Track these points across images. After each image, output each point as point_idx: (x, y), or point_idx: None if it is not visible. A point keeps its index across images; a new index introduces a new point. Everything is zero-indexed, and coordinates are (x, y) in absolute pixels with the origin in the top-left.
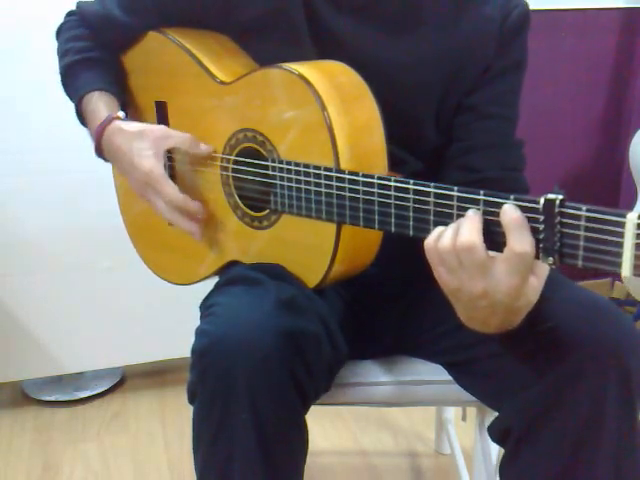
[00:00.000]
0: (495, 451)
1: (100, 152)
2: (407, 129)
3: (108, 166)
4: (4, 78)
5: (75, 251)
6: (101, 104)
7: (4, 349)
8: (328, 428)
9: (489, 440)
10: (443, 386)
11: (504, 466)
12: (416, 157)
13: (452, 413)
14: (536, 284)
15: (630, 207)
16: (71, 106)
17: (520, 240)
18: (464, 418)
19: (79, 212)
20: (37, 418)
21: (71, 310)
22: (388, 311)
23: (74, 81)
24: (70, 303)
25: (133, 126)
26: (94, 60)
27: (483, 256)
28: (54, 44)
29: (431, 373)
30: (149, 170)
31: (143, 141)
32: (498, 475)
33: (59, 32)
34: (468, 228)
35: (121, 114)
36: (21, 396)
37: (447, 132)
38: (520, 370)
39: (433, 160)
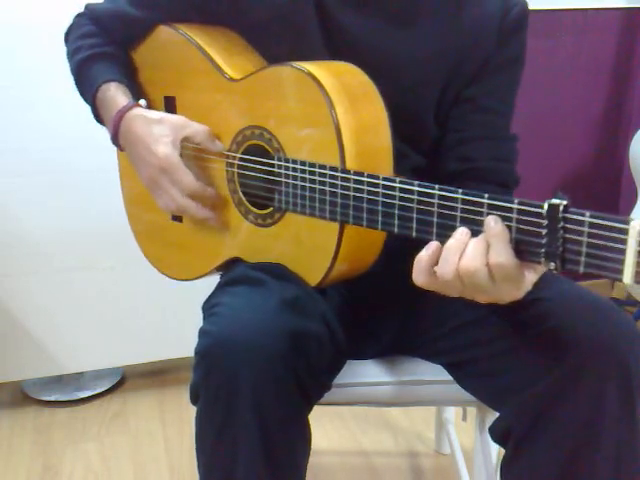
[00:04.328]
0: (495, 451)
1: (116, 138)
2: (409, 123)
3: (109, 166)
4: (4, 78)
5: (75, 251)
6: (120, 93)
7: (4, 349)
8: (328, 428)
9: (489, 440)
10: (443, 386)
11: (505, 467)
12: (418, 151)
13: (452, 413)
14: (532, 277)
15: (630, 207)
16: (71, 106)
17: (498, 253)
18: (464, 418)
19: (79, 212)
20: (37, 418)
21: (71, 310)
22: (390, 311)
23: (90, 73)
24: (70, 303)
25: (153, 113)
26: (109, 54)
27: (485, 281)
28: (55, 44)
29: (431, 373)
30: (166, 156)
31: (162, 127)
32: (498, 475)
33: (68, 33)
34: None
35: (142, 102)
36: (21, 396)
37: (444, 123)
38: (520, 370)
39: (433, 154)
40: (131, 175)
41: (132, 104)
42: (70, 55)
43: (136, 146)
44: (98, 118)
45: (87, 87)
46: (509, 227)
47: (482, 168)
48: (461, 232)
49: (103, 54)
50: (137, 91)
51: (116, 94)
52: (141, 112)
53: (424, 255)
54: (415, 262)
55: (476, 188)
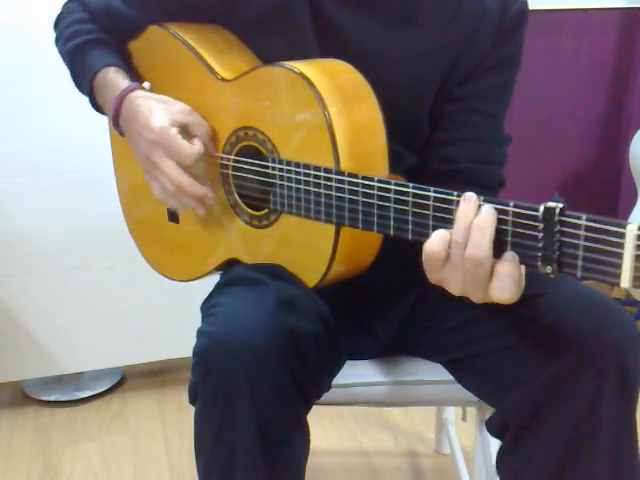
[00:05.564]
0: (495, 451)
1: (117, 122)
2: (405, 123)
3: (108, 166)
4: (3, 79)
5: (75, 251)
6: (120, 76)
7: (4, 349)
8: (328, 428)
9: (489, 440)
10: (443, 386)
11: (501, 459)
12: (412, 152)
13: (452, 413)
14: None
15: (630, 207)
16: (71, 107)
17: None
18: (464, 418)
19: (79, 212)
20: (37, 418)
21: (71, 310)
22: (389, 311)
23: (88, 58)
24: (70, 303)
25: (158, 96)
26: (105, 41)
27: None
28: (54, 44)
29: (431, 373)
30: (161, 129)
31: (165, 107)
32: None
33: (59, 20)
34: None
35: (147, 85)
36: (21, 396)
37: (436, 122)
38: (520, 366)
39: (424, 152)
40: (124, 177)
41: (135, 86)
42: (63, 40)
43: (135, 123)
44: (95, 105)
45: (84, 71)
46: (504, 230)
47: (463, 170)
48: (470, 197)
49: (100, 40)
50: (136, 78)
51: (116, 77)
52: (145, 93)
53: (446, 232)
54: (436, 232)
55: (459, 189)
